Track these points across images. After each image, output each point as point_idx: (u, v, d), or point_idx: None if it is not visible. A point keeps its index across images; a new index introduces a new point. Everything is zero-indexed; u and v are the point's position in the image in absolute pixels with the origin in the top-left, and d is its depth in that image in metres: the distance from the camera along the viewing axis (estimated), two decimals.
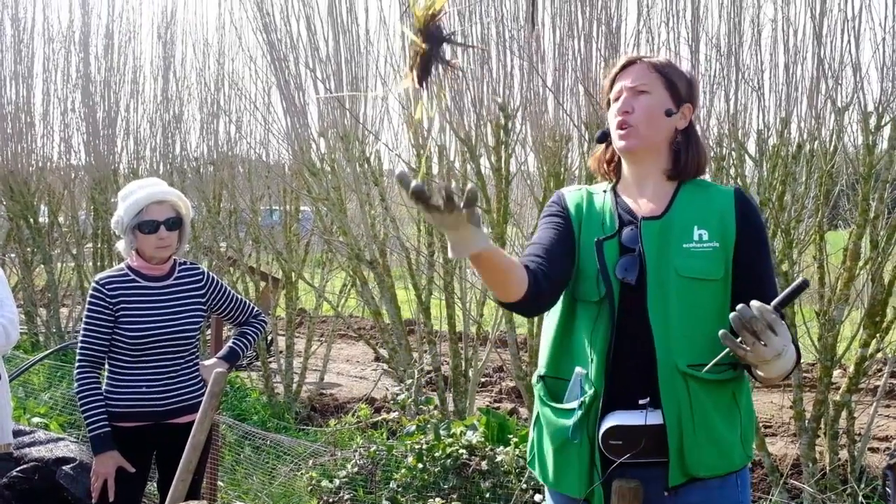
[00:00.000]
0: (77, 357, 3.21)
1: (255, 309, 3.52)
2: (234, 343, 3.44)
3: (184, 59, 8.15)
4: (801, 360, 4.69)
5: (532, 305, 2.00)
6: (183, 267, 3.35)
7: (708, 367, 1.91)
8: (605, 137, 2.18)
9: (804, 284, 1.77)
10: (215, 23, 10.48)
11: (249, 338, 3.47)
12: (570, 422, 2.04)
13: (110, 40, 8.65)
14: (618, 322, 2.02)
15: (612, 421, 2.00)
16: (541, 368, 2.18)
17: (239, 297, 3.49)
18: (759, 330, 1.73)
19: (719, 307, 2.01)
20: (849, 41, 4.28)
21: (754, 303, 1.76)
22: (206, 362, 3.39)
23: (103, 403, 3.18)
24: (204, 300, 3.34)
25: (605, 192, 2.17)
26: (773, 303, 1.77)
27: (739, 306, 1.75)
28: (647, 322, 2.00)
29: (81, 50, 8.84)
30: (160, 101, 8.24)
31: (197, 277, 3.34)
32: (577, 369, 2.05)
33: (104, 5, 14.65)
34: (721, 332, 1.76)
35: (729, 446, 2.04)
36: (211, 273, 3.44)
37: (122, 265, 3.30)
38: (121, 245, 3.30)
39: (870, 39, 4.33)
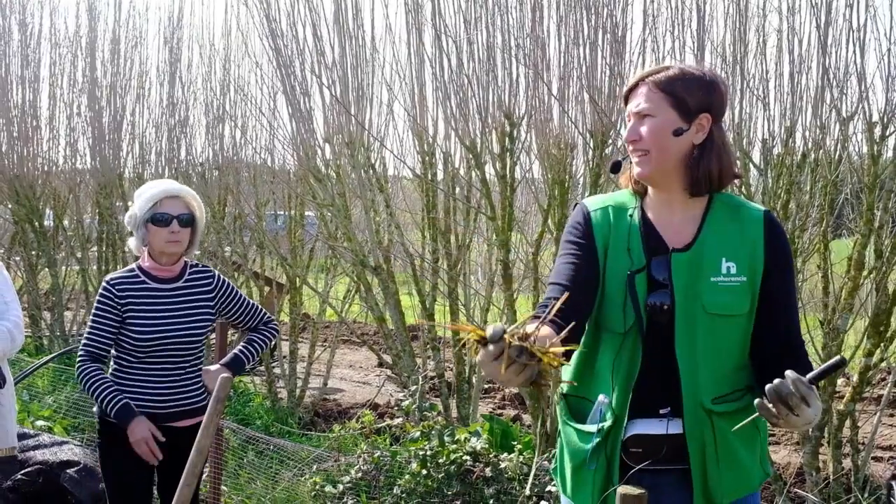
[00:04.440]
0: (78, 353, 3.20)
1: (267, 315, 3.48)
2: (241, 350, 3.40)
3: (190, 63, 8.18)
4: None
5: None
6: (194, 269, 3.34)
7: (735, 428, 1.93)
8: (617, 168, 2.17)
9: (841, 363, 1.82)
10: (222, 28, 10.48)
11: (257, 345, 3.42)
12: (588, 446, 2.07)
13: (117, 45, 8.67)
14: (642, 352, 2.03)
15: (634, 429, 2.03)
16: (563, 387, 2.19)
17: (251, 301, 3.45)
18: (794, 405, 1.76)
19: (742, 339, 2.04)
20: (854, 51, 4.29)
21: (789, 374, 1.78)
22: (210, 367, 3.38)
23: (111, 380, 3.18)
24: (213, 304, 3.32)
25: (630, 213, 2.11)
26: (808, 377, 1.80)
27: (777, 381, 1.77)
28: (673, 357, 2.02)
29: (88, 55, 8.86)
30: (166, 105, 8.26)
31: (207, 280, 3.34)
32: (601, 397, 2.06)
33: (111, 11, 14.69)
34: (756, 401, 1.79)
35: (749, 471, 2.08)
36: (222, 276, 3.42)
37: (133, 265, 3.31)
38: (132, 242, 3.30)
39: (875, 49, 4.33)
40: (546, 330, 1.82)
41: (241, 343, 3.45)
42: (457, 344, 5.74)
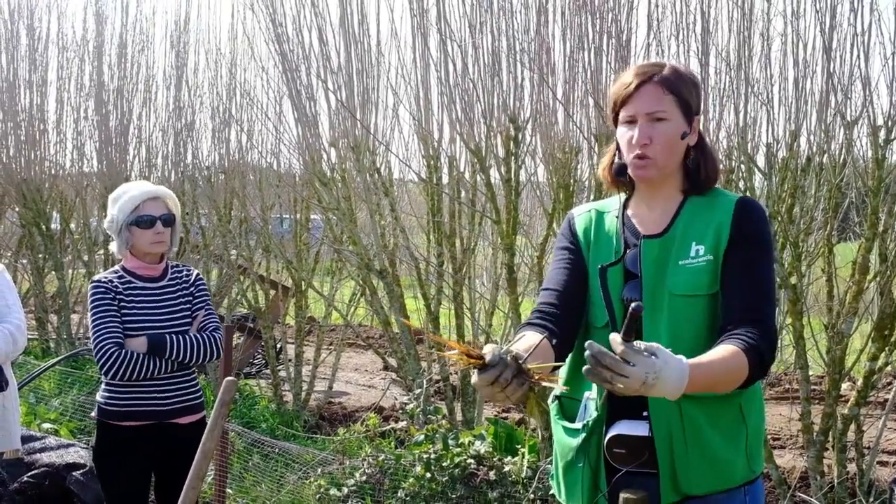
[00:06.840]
0: (99, 349, 3.15)
1: (217, 326, 3.40)
2: (172, 336, 3.27)
3: (196, 68, 8.21)
4: (810, 374, 4.72)
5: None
6: (175, 268, 3.43)
7: (596, 398, 1.92)
8: (623, 170, 2.12)
9: (637, 309, 1.67)
10: (228, 33, 10.51)
11: (192, 340, 3.29)
12: (575, 442, 2.07)
13: (123, 49, 8.71)
14: None
15: (616, 430, 2.02)
16: (556, 390, 2.19)
17: (211, 308, 3.45)
18: (610, 364, 1.67)
19: (711, 321, 1.99)
20: (858, 56, 4.29)
21: (612, 336, 1.71)
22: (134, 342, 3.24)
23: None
24: (191, 299, 3.39)
25: (610, 212, 2.16)
26: (619, 334, 1.71)
27: (587, 342, 1.70)
28: None
29: (95, 59, 8.90)
30: (172, 109, 8.29)
31: (186, 276, 3.41)
32: (587, 393, 2.09)
33: (118, 15, 14.68)
34: (584, 368, 1.70)
35: (728, 464, 2.01)
36: (200, 275, 3.49)
37: (117, 267, 3.36)
38: (114, 246, 3.36)
39: (879, 54, 4.33)
40: (534, 337, 1.88)
41: (188, 333, 3.34)
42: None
